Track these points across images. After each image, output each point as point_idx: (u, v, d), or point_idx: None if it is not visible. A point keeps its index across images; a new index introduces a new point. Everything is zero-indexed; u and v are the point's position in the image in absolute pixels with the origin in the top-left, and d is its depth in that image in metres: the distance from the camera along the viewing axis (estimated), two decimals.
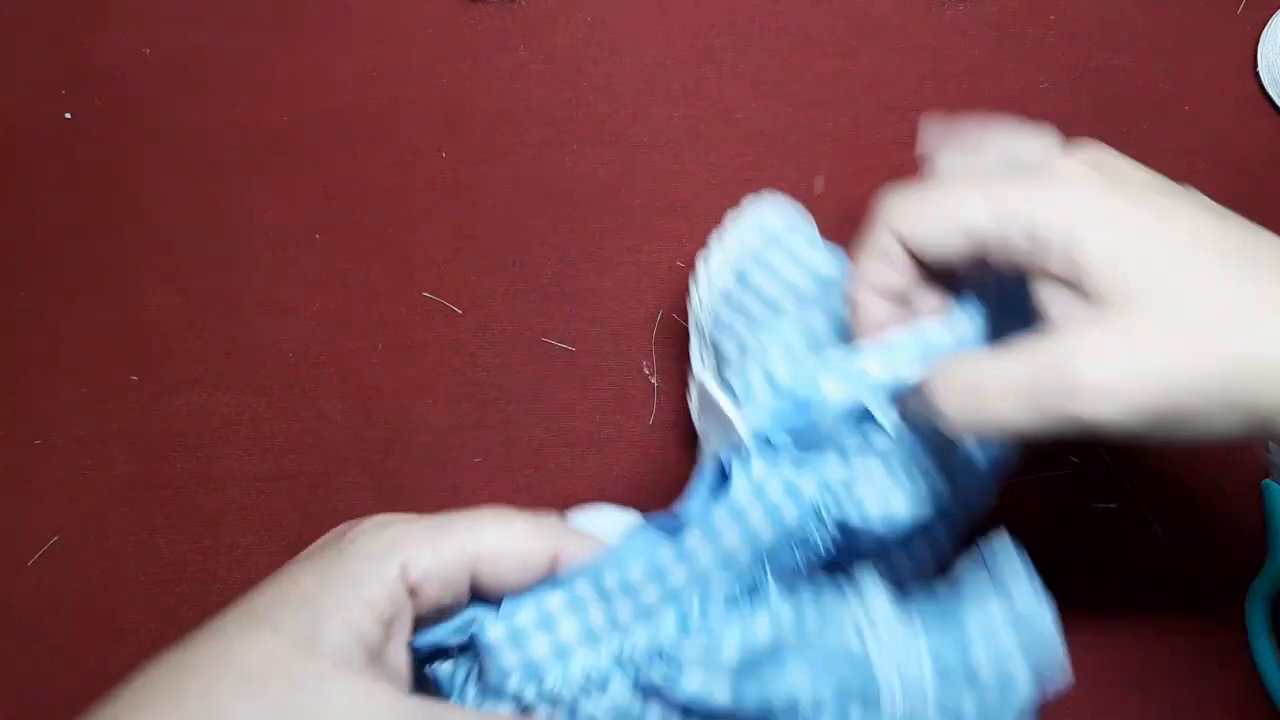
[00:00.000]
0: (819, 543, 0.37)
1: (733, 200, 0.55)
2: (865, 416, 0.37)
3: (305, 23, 0.57)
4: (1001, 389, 0.32)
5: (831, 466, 0.38)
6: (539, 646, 0.36)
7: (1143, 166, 0.35)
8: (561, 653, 0.36)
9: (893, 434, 0.37)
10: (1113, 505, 0.51)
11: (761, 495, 0.36)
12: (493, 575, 0.35)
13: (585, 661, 0.36)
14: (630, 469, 0.52)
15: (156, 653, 0.51)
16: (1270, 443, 0.52)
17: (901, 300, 0.37)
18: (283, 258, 0.55)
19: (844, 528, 0.38)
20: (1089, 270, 0.32)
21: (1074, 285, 0.32)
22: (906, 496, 0.38)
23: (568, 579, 0.36)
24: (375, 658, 0.33)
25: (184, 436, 0.53)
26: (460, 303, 0.54)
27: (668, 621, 0.36)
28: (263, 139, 0.56)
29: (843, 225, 0.55)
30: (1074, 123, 0.55)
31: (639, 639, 0.36)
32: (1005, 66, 0.56)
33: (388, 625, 0.33)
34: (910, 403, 0.37)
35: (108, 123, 0.56)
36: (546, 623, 0.36)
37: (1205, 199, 0.35)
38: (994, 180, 0.34)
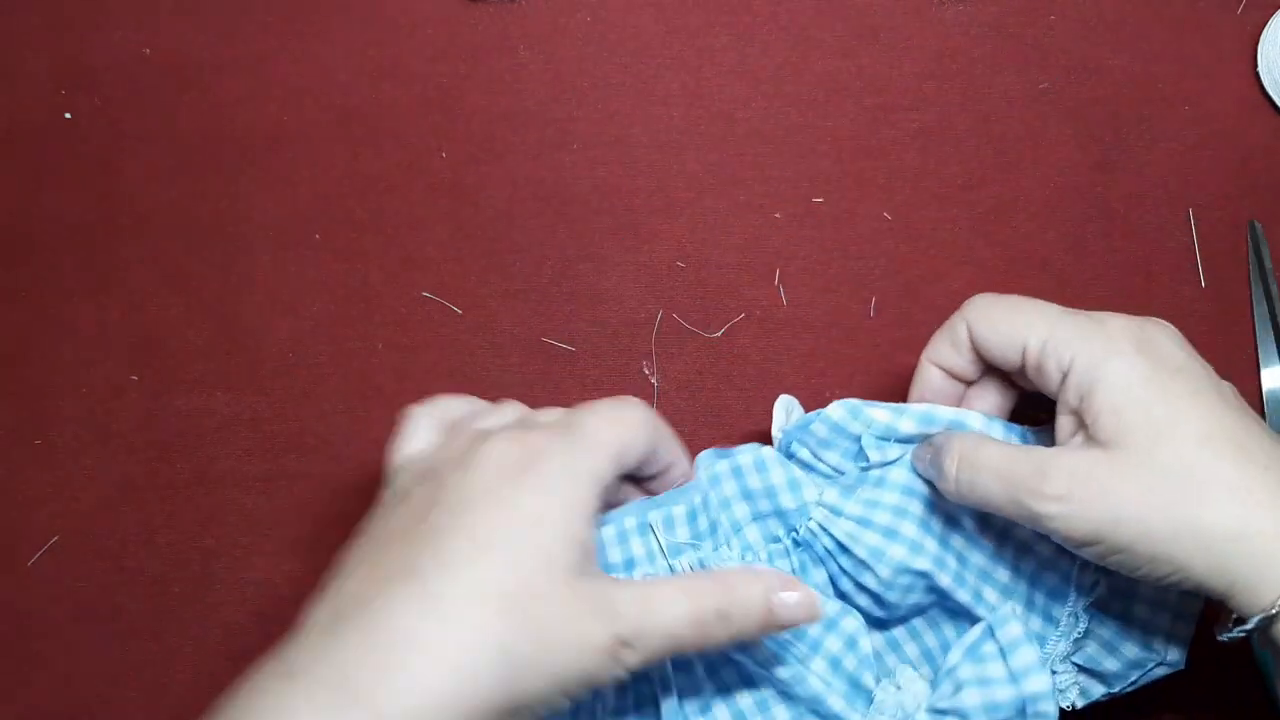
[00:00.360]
0: (825, 546, 0.44)
1: (733, 200, 0.55)
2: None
3: (305, 23, 0.57)
4: (992, 470, 0.39)
5: (831, 493, 0.44)
6: (636, 548, 0.43)
7: (1190, 351, 0.40)
8: (651, 555, 0.43)
9: (873, 459, 0.44)
10: None
11: (763, 469, 0.44)
12: (633, 459, 0.40)
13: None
14: None
15: (157, 653, 0.52)
16: None
17: (962, 380, 0.44)
18: (283, 258, 0.55)
19: (851, 555, 0.44)
20: (1096, 414, 0.38)
21: (1083, 421, 0.38)
22: (909, 547, 0.43)
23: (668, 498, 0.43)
24: (591, 557, 0.37)
25: (184, 436, 0.53)
26: (460, 303, 0.54)
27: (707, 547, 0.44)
28: (263, 139, 0.56)
29: (842, 226, 0.55)
30: (1074, 123, 0.55)
31: (689, 558, 0.43)
32: (1005, 66, 0.56)
33: (597, 527, 0.39)
34: (925, 455, 0.43)
35: (108, 123, 0.56)
36: (643, 529, 0.42)
37: (1235, 396, 0.39)
38: (1060, 314, 0.40)
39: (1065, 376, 0.39)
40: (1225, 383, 0.40)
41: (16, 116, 0.56)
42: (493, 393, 0.53)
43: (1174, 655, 0.42)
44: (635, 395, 0.53)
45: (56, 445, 0.53)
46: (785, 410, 0.46)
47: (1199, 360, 0.40)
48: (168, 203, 0.55)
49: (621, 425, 0.40)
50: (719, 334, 0.54)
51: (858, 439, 0.44)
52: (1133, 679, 0.43)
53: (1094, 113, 0.55)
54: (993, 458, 0.39)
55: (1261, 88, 0.55)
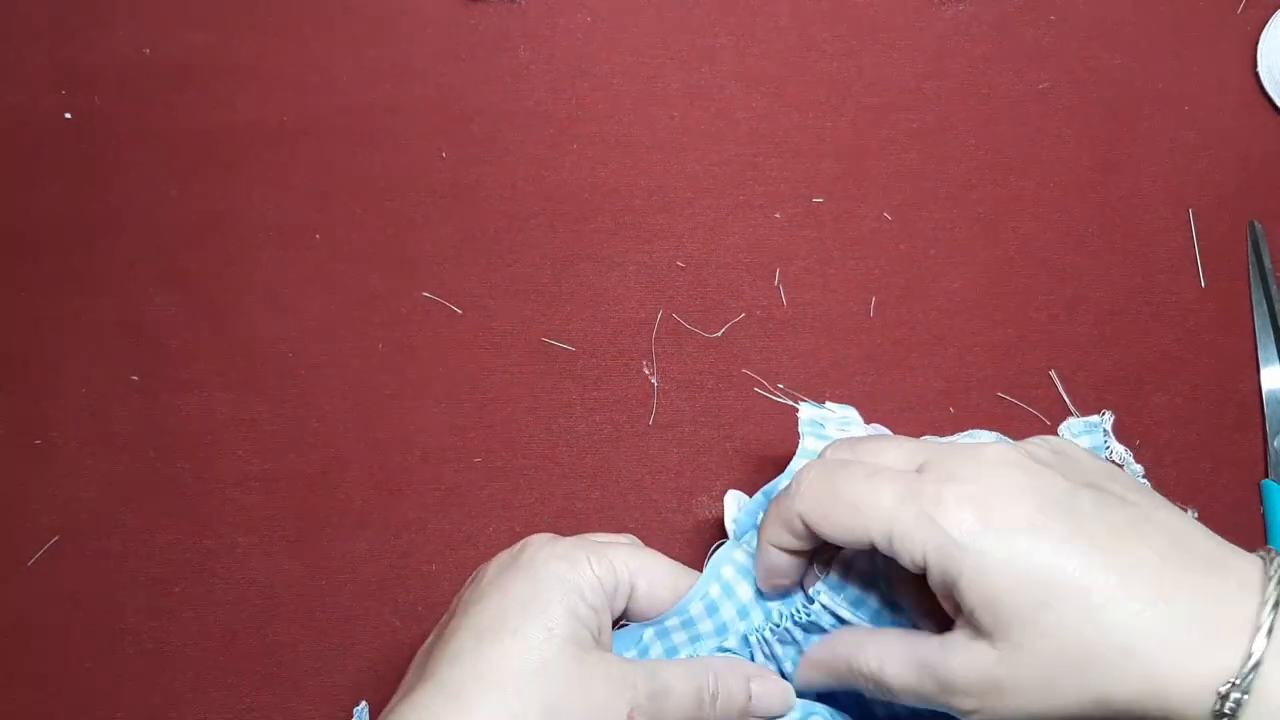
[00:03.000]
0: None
1: (732, 200, 0.55)
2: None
3: (305, 23, 0.57)
4: (899, 673, 0.37)
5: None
6: None
7: (1034, 467, 0.36)
8: None
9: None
10: None
11: (714, 612, 0.43)
12: (646, 596, 0.41)
13: None
14: (630, 469, 0.52)
15: (156, 653, 0.52)
16: (1271, 442, 0.52)
17: (807, 553, 0.41)
18: (283, 258, 0.55)
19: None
20: (970, 610, 0.35)
21: (958, 608, 0.36)
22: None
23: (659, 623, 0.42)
24: (598, 636, 0.38)
25: (184, 436, 0.53)
26: (460, 303, 0.54)
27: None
28: (263, 139, 0.56)
29: (842, 226, 0.55)
30: (1074, 122, 0.55)
31: None
32: (1005, 66, 0.56)
33: (598, 612, 0.39)
34: (813, 676, 0.41)
35: (108, 123, 0.56)
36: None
37: (1107, 476, 0.37)
38: (899, 500, 0.36)
39: (925, 569, 0.36)
40: (1095, 463, 0.38)
41: (16, 116, 0.56)
42: (493, 393, 0.53)
43: None
44: (635, 395, 0.53)
45: (56, 445, 0.53)
46: (736, 503, 0.46)
47: (1047, 475, 0.36)
48: (168, 202, 0.55)
49: (636, 550, 0.41)
50: (719, 334, 0.54)
51: None
52: None
53: (1094, 113, 0.55)
54: (894, 680, 0.38)
55: (1261, 88, 0.55)
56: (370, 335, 0.54)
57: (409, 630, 0.51)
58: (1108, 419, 0.47)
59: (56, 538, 0.52)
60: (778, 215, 0.55)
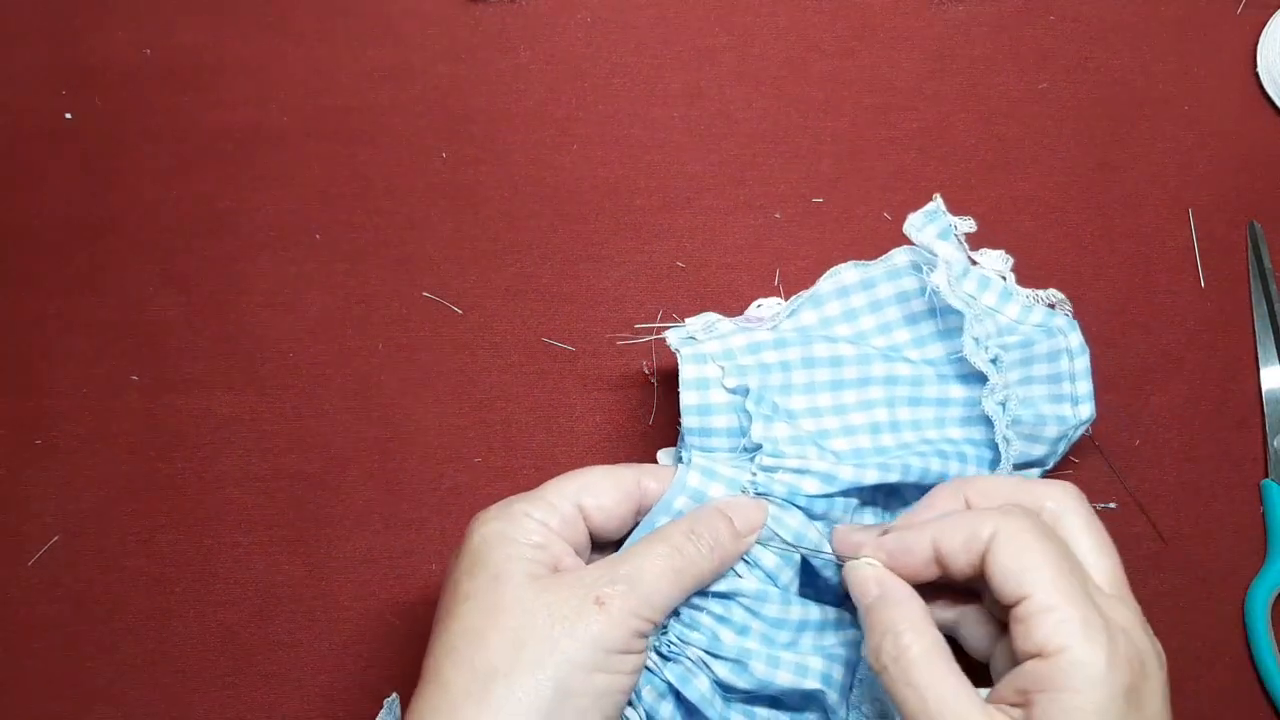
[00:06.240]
0: None
1: (732, 200, 0.55)
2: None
3: (305, 23, 0.57)
4: (918, 700, 0.37)
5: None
6: None
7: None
8: None
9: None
10: (1112, 505, 0.51)
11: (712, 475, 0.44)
12: (598, 509, 0.42)
13: None
14: None
15: (157, 653, 0.52)
16: (1271, 442, 0.52)
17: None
18: (283, 258, 0.55)
19: None
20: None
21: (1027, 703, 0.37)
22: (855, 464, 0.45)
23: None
24: (554, 563, 0.40)
25: (184, 436, 0.53)
26: (460, 303, 0.54)
27: None
28: (263, 139, 0.56)
29: (842, 226, 0.55)
30: (1073, 122, 0.55)
31: None
32: (1005, 66, 0.56)
33: (546, 547, 0.40)
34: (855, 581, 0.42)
35: (108, 123, 0.56)
36: None
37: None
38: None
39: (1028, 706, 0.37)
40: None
41: (16, 116, 0.56)
42: (493, 393, 0.53)
43: (1085, 412, 0.47)
44: (635, 395, 0.53)
45: (56, 445, 0.53)
46: (671, 459, 0.48)
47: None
48: (168, 202, 0.55)
49: (571, 475, 0.42)
50: None
51: (732, 431, 0.46)
52: (1060, 450, 0.48)
53: (1094, 113, 0.55)
54: (915, 698, 0.37)
55: (1261, 88, 0.55)
56: (370, 335, 0.54)
57: (409, 630, 0.51)
58: (940, 201, 0.48)
59: (56, 538, 0.52)
60: (778, 215, 0.55)
